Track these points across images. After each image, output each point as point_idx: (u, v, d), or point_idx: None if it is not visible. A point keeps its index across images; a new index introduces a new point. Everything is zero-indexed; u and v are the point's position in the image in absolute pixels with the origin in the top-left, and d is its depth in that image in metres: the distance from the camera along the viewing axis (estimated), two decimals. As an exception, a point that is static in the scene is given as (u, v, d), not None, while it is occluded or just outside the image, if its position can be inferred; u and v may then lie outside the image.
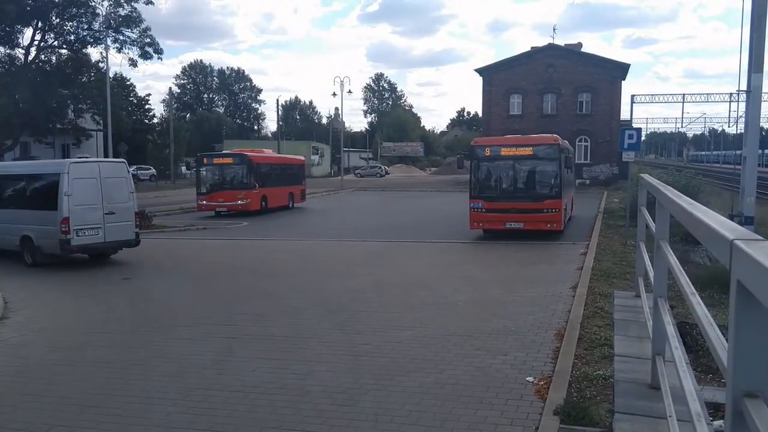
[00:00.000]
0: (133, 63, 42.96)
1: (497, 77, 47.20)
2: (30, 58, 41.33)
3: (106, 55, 34.99)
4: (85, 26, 42.12)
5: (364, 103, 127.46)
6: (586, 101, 45.65)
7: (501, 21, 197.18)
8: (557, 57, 46.41)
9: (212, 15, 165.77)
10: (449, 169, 63.31)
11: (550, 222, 16.72)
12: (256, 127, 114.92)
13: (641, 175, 6.67)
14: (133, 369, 6.99)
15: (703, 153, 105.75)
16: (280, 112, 76.92)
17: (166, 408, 5.76)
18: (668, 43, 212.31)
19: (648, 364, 4.36)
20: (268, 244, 18.32)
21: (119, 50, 41.47)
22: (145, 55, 42.32)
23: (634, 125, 36.70)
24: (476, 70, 48.15)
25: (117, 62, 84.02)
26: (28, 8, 38.51)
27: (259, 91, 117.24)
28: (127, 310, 10.13)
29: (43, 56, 42.41)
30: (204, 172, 27.30)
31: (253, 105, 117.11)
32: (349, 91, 53.87)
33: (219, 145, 66.74)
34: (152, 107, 71.01)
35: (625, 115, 45.34)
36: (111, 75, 39.95)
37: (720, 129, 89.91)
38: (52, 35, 42.18)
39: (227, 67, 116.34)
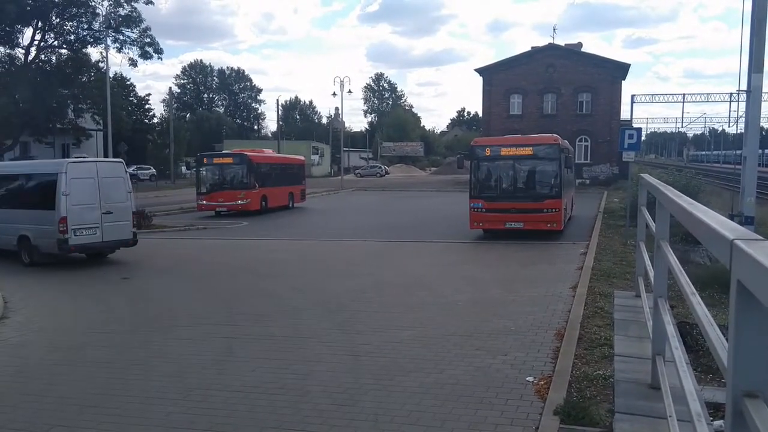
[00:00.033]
0: (133, 63, 43.01)
1: (497, 77, 47.20)
2: (30, 57, 41.34)
3: (106, 55, 35.00)
4: (85, 26, 42.16)
5: (364, 103, 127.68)
6: (586, 101, 45.65)
7: (501, 21, 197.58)
8: (557, 57, 46.41)
9: (212, 15, 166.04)
10: (449, 169, 63.33)
11: (550, 222, 16.73)
12: (256, 127, 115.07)
13: (641, 174, 6.67)
14: (133, 369, 6.99)
15: (703, 153, 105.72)
16: (280, 112, 77.00)
17: (166, 408, 5.76)
18: (668, 43, 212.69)
19: (648, 364, 4.35)
20: (268, 244, 18.32)
21: (119, 50, 41.51)
22: (145, 55, 42.34)
23: (634, 125, 36.71)
24: (476, 70, 48.17)
25: (117, 62, 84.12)
26: (28, 8, 38.52)
27: (259, 91, 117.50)
28: (127, 310, 10.13)
29: (43, 56, 42.42)
30: (204, 172, 27.31)
31: (253, 105, 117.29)
32: (349, 91, 53.91)
33: (219, 145, 66.72)
34: (152, 107, 71.23)
35: (625, 115, 45.45)
36: (111, 75, 39.99)
37: (720, 129, 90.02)
38: (52, 35, 42.19)
39: (227, 67, 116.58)
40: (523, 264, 13.41)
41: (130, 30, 41.10)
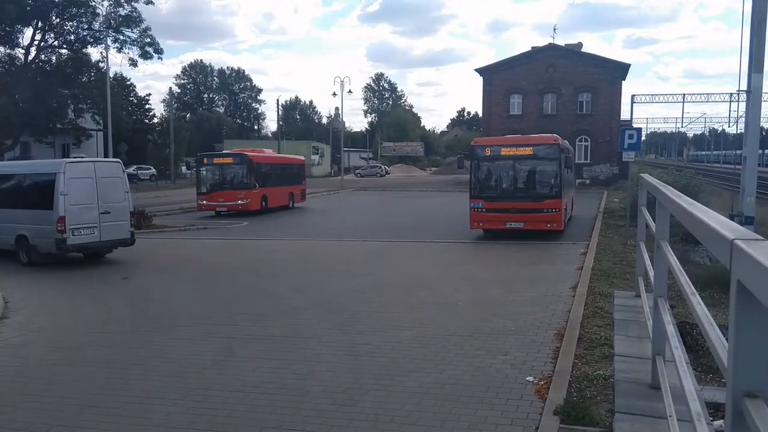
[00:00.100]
0: (133, 63, 43.14)
1: (497, 77, 47.20)
2: (30, 57, 41.39)
3: (106, 54, 35.06)
4: (85, 26, 42.26)
5: (364, 103, 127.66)
6: (586, 101, 45.64)
7: (501, 21, 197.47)
8: (557, 57, 46.40)
9: (212, 15, 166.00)
10: (449, 169, 63.32)
11: (550, 222, 16.73)
12: (256, 127, 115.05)
13: (641, 174, 6.67)
14: (133, 369, 6.99)
15: (704, 153, 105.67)
16: (280, 112, 77.01)
17: (166, 408, 5.76)
18: (668, 43, 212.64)
19: (648, 364, 4.35)
20: (268, 244, 18.31)
21: (119, 50, 41.62)
22: (145, 55, 42.42)
23: (635, 125, 36.71)
24: (476, 70, 48.16)
25: (117, 62, 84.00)
26: (28, 8, 38.57)
27: (259, 91, 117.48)
28: (127, 310, 10.13)
29: (43, 56, 42.47)
30: (204, 172, 27.31)
31: (253, 105, 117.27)
32: (350, 91, 53.87)
33: (219, 145, 66.73)
34: (152, 107, 71.22)
35: (625, 115, 45.40)
36: (111, 75, 39.99)
37: (720, 129, 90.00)
38: (52, 35, 42.26)
39: (227, 67, 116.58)
40: (523, 264, 13.41)
41: (130, 30, 41.22)
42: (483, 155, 17.50)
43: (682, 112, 76.28)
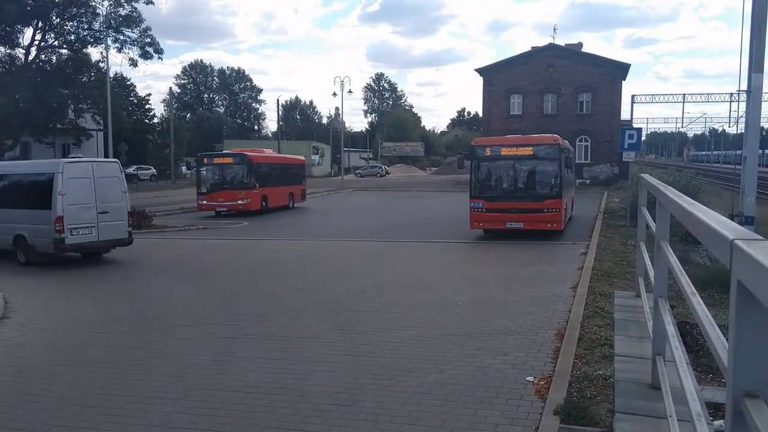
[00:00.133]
0: (134, 63, 43.13)
1: (497, 77, 47.20)
2: (30, 58, 41.39)
3: (107, 54, 35.12)
4: (86, 26, 42.27)
5: (365, 103, 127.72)
6: (586, 101, 45.65)
7: (501, 21, 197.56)
8: (557, 57, 46.40)
9: (212, 15, 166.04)
10: (449, 169, 63.32)
11: (550, 222, 16.72)
12: (256, 127, 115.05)
13: (641, 175, 6.67)
14: (133, 369, 6.99)
15: (704, 153, 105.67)
16: (280, 112, 77.03)
17: (166, 408, 5.76)
18: (668, 43, 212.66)
19: (648, 364, 4.35)
20: (268, 244, 18.32)
21: (119, 50, 41.64)
22: (146, 55, 42.43)
23: (635, 125, 36.70)
24: (476, 70, 48.16)
25: (117, 62, 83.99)
26: (29, 8, 38.56)
27: (260, 91, 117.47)
28: (127, 309, 10.13)
29: (43, 56, 42.47)
30: (204, 172, 27.31)
31: (254, 105, 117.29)
32: (350, 91, 53.88)
33: (219, 145, 66.73)
34: (152, 107, 71.22)
35: (625, 115, 45.39)
36: (111, 75, 40.01)
37: (720, 129, 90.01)
38: (52, 35, 42.26)
39: (227, 67, 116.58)
40: (523, 264, 13.41)
41: (130, 30, 41.23)
42: (483, 155, 17.50)
43: (683, 112, 76.55)
